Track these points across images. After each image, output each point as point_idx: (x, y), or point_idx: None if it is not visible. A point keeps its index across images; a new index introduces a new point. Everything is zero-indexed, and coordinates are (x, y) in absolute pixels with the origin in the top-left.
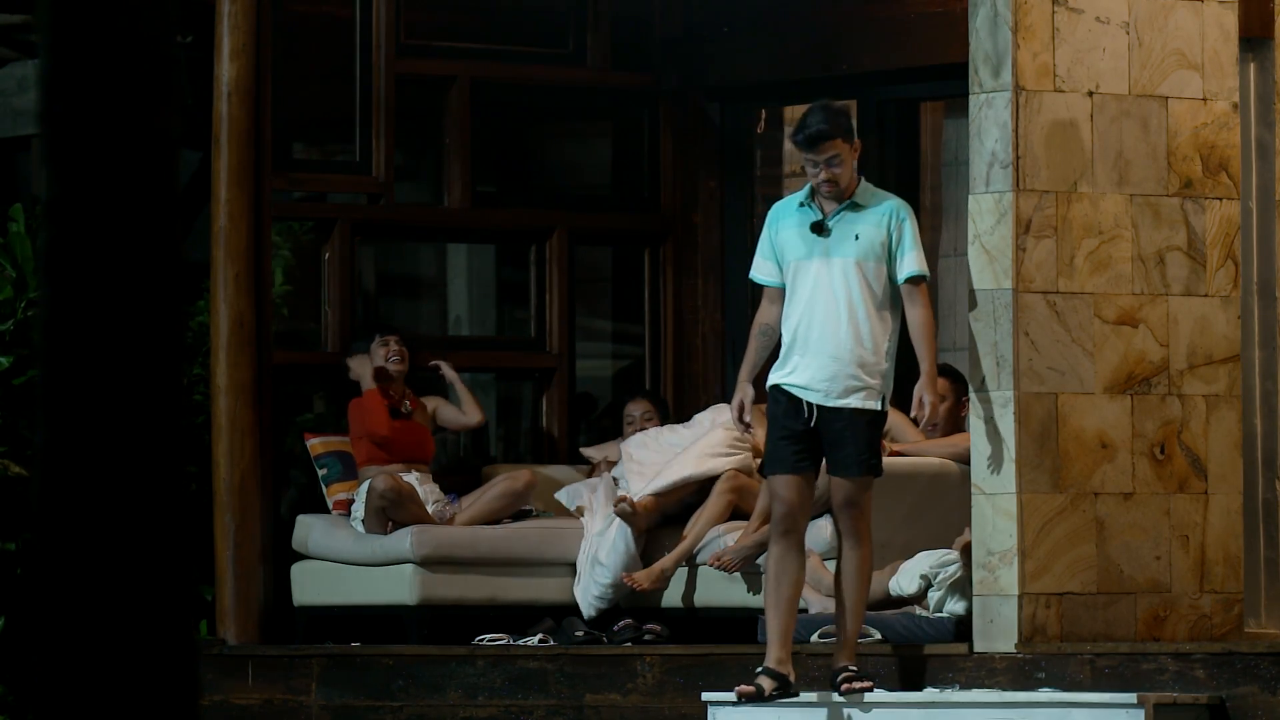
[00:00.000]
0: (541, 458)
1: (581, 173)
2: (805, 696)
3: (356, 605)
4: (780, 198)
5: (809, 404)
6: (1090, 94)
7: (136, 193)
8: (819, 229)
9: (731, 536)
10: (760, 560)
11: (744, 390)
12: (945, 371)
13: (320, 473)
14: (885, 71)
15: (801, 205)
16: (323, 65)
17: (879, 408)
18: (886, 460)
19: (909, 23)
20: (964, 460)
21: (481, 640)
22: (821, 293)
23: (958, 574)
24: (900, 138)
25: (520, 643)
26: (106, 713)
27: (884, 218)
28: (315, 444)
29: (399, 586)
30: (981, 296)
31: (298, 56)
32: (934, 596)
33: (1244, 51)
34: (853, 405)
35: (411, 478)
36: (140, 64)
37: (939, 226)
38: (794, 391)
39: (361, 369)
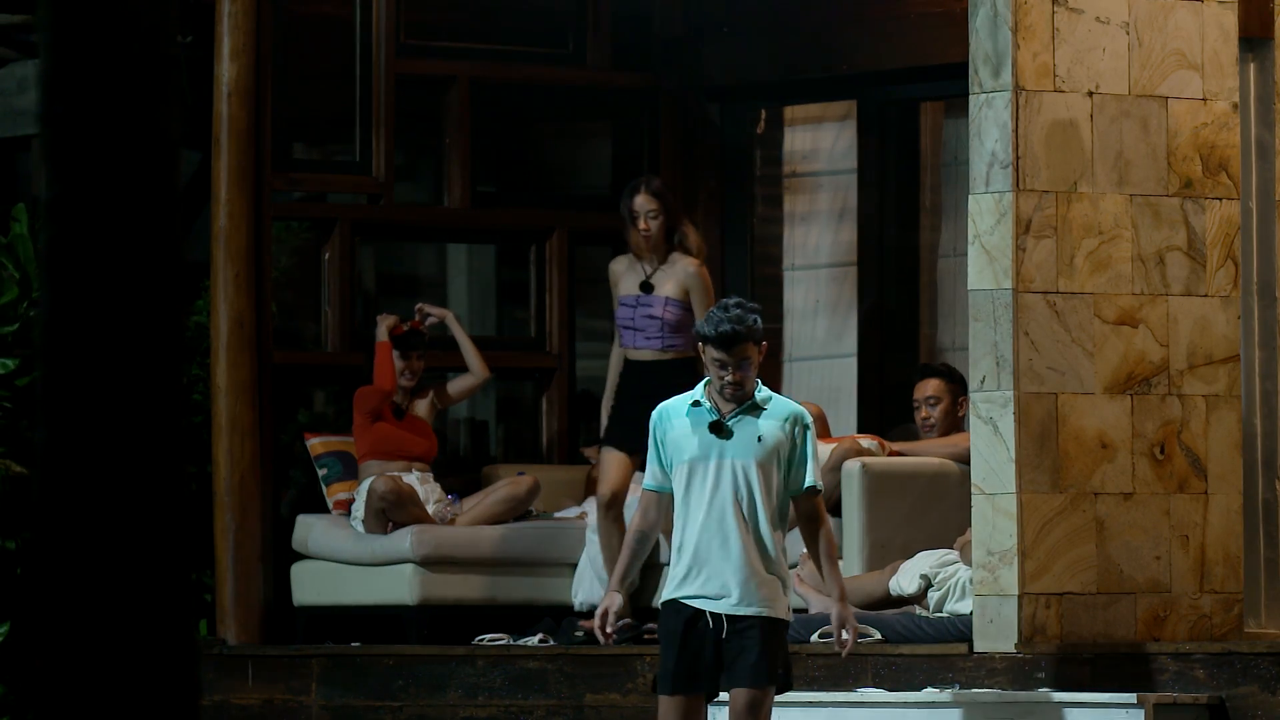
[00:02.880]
0: (541, 458)
1: (581, 173)
2: (805, 696)
3: (356, 605)
4: (779, 199)
5: (714, 615)
6: (1090, 94)
7: (136, 193)
8: (719, 429)
9: None
10: None
11: (613, 599)
12: (944, 371)
13: (320, 473)
14: (885, 71)
15: (695, 405)
16: (323, 65)
17: (787, 616)
18: (888, 460)
19: (909, 23)
20: (964, 460)
21: (481, 640)
22: (723, 495)
23: (958, 574)
24: (900, 138)
25: (520, 643)
26: (106, 713)
27: (787, 423)
28: (315, 444)
29: (399, 586)
30: (981, 296)
31: (298, 56)
32: (934, 596)
33: (1244, 51)
34: (764, 614)
35: (413, 478)
36: (140, 64)
37: (939, 226)
38: (696, 604)
39: (382, 323)
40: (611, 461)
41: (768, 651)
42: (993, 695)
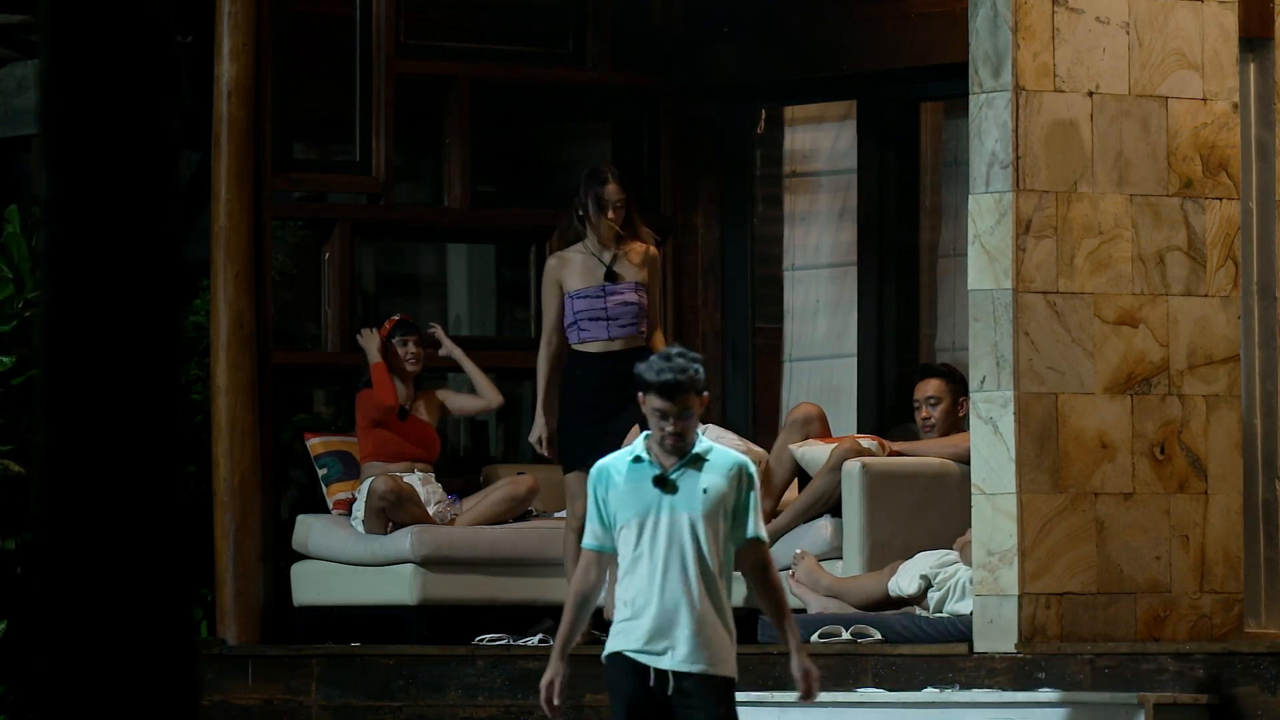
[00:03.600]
0: (541, 458)
1: (581, 173)
2: None
3: (356, 605)
4: (779, 199)
5: (658, 671)
6: (1090, 94)
7: (136, 193)
8: (663, 483)
9: None
10: None
11: (557, 667)
12: (944, 371)
13: (320, 473)
14: (885, 71)
15: (636, 460)
16: (323, 65)
17: (735, 675)
18: (888, 460)
19: (909, 23)
20: (964, 460)
21: (481, 640)
22: (668, 550)
23: (958, 574)
24: (900, 138)
25: (520, 643)
26: (106, 713)
27: (732, 474)
28: (315, 444)
29: (399, 586)
30: (981, 296)
31: (298, 56)
32: (934, 596)
33: (1244, 51)
34: (711, 671)
35: (414, 478)
36: (140, 64)
37: (939, 226)
38: (640, 659)
39: (369, 344)
40: (580, 485)
41: (719, 711)
42: (993, 695)
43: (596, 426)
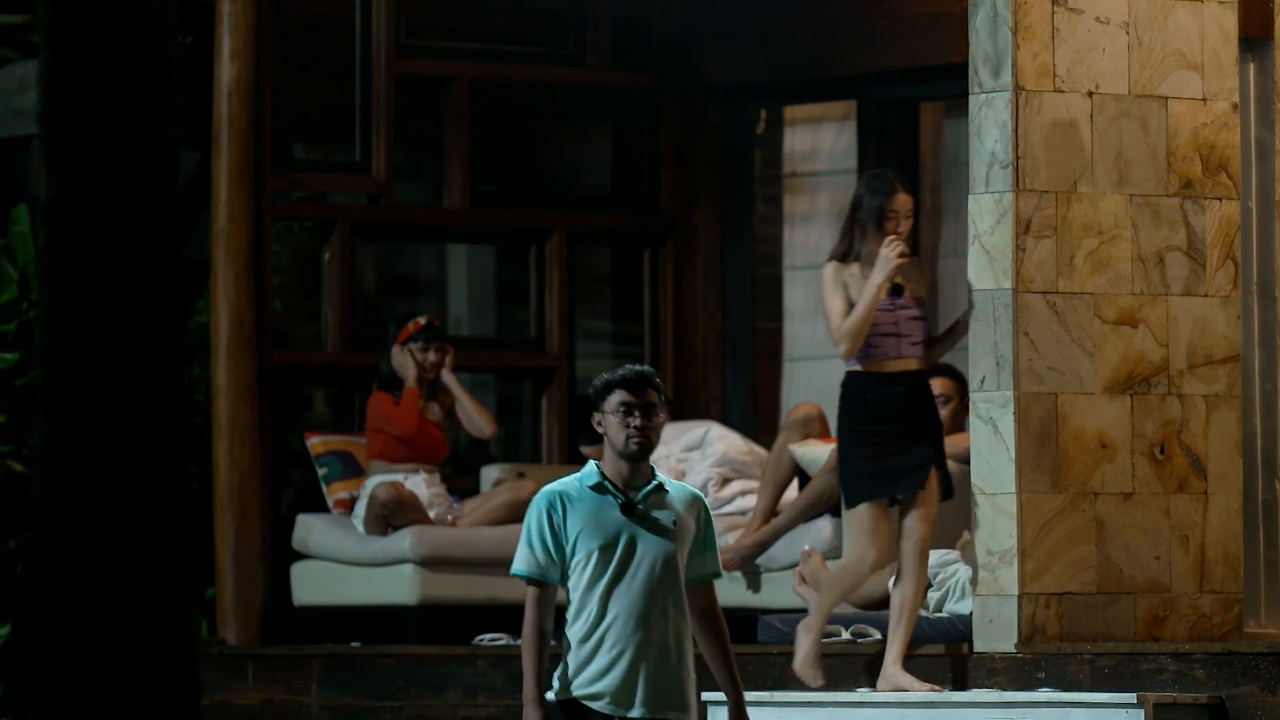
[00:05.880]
0: (540, 458)
1: (581, 173)
2: (805, 696)
3: (356, 605)
4: (779, 199)
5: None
6: (1090, 94)
7: (136, 193)
8: (630, 511)
9: (732, 535)
10: (760, 560)
11: (539, 711)
12: (946, 371)
13: (320, 472)
14: (885, 71)
15: (595, 487)
16: (323, 65)
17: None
18: None
19: (909, 23)
20: (964, 460)
21: (481, 640)
22: (640, 584)
23: (958, 574)
24: (900, 138)
25: (520, 643)
26: (106, 713)
27: (694, 506)
28: (315, 443)
29: (399, 586)
30: (981, 296)
31: (298, 56)
32: (934, 596)
33: (1244, 51)
34: (686, 717)
35: (419, 479)
36: (140, 64)
37: (939, 226)
38: (604, 708)
39: (405, 365)
40: (879, 520)
41: None
42: (993, 695)
43: (898, 455)
